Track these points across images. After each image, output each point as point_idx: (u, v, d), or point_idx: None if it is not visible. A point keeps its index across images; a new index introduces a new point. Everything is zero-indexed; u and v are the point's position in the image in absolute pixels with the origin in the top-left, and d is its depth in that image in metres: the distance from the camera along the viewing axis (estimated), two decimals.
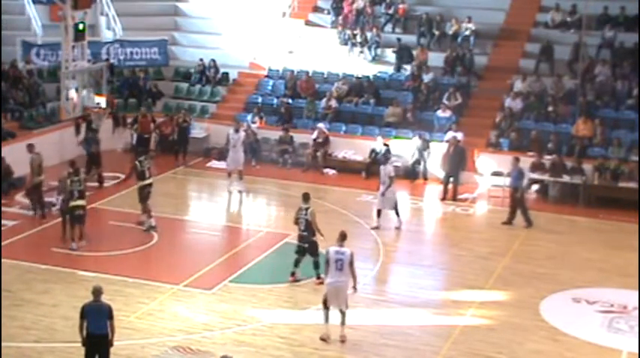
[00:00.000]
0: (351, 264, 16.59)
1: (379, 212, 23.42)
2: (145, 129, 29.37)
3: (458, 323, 17.83)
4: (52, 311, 17.64)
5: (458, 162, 26.27)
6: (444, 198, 26.03)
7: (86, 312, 14.17)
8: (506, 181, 25.18)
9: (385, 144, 28.17)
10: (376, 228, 23.11)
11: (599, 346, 17.07)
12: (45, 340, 16.41)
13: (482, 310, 18.54)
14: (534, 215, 24.86)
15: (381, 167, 23.75)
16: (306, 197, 19.62)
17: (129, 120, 29.98)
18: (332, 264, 16.49)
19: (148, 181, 22.61)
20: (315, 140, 28.88)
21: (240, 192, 25.99)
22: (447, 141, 27.16)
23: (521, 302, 18.94)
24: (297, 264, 19.48)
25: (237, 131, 26.44)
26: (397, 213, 23.44)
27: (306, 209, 19.37)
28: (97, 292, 14.29)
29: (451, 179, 26.21)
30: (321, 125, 29.12)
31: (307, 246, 19.31)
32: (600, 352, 16.88)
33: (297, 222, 19.51)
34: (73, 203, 21.00)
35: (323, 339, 16.62)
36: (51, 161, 25.10)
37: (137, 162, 22.67)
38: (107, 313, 14.17)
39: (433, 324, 17.79)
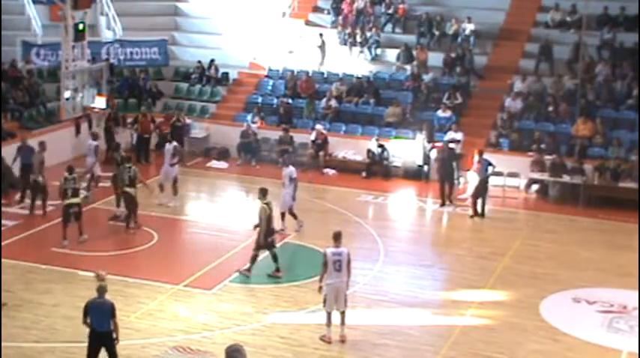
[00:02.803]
0: (349, 263, 16.58)
1: (283, 215, 22.42)
2: (145, 129, 29.43)
3: (458, 323, 17.82)
4: (53, 311, 17.65)
5: (452, 166, 25.97)
6: (442, 204, 25.53)
7: (90, 309, 14.30)
8: (506, 181, 25.37)
9: (380, 146, 28.18)
10: (281, 230, 21.79)
11: (599, 346, 17.06)
12: (45, 340, 16.41)
13: (482, 310, 18.53)
14: (534, 215, 24.90)
15: (283, 168, 22.98)
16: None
17: (129, 120, 29.99)
18: (330, 264, 16.44)
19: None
20: (313, 141, 28.86)
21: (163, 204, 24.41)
22: (441, 145, 26.98)
23: (521, 302, 18.93)
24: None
25: (169, 142, 24.91)
26: (282, 217, 22.25)
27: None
28: (101, 290, 14.37)
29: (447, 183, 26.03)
30: (319, 126, 29.04)
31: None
32: (600, 352, 16.87)
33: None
34: (67, 201, 21.26)
35: (323, 339, 16.62)
36: (51, 161, 25.05)
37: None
38: (110, 311, 14.24)
39: (433, 324, 17.78)
